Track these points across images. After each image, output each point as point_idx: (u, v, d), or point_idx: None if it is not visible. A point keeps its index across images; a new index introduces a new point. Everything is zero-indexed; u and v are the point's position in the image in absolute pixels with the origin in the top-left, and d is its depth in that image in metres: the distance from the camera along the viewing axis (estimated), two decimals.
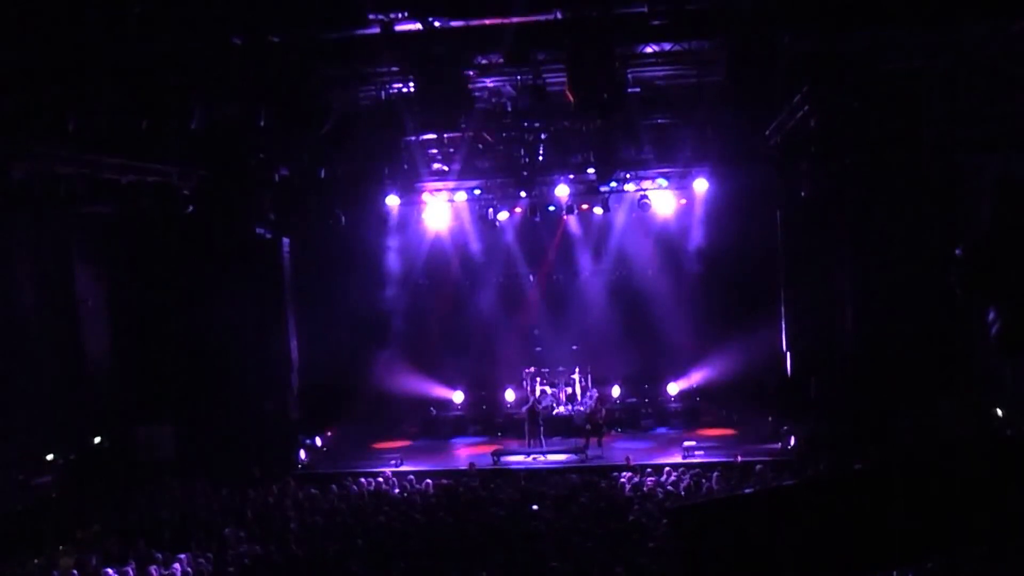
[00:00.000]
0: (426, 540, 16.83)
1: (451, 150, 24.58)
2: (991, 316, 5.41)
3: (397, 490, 21.60)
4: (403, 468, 24.13)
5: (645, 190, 27.49)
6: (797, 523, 4.78)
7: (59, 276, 24.74)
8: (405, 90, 19.44)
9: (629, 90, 19.41)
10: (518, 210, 26.55)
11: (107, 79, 15.84)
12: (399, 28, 15.59)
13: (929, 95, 18.09)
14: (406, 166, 24.72)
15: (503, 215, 28.32)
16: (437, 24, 15.69)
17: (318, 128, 19.12)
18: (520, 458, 25.19)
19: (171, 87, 16.64)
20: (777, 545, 4.72)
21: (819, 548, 4.77)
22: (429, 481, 21.95)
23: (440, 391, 30.45)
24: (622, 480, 21.26)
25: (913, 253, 23.15)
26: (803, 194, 23.60)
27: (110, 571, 15.44)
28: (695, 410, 29.18)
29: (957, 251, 5.29)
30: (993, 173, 20.89)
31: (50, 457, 23.00)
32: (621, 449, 25.44)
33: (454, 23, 15.85)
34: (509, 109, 21.03)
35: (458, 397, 30.32)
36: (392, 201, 27.10)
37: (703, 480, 20.64)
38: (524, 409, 27.09)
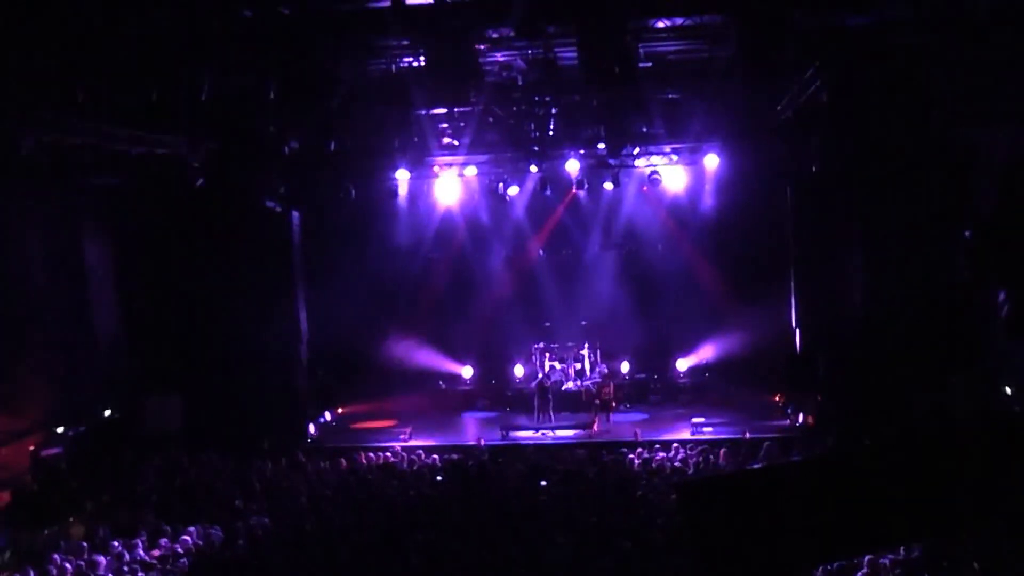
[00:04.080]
0: (434, 514, 16.87)
1: (461, 124, 24.51)
2: (1001, 298, 5.38)
3: (406, 464, 21.64)
4: (412, 442, 24.18)
5: (655, 165, 27.41)
6: (805, 499, 4.77)
7: (68, 247, 24.76)
8: (416, 63, 19.38)
9: (640, 64, 19.35)
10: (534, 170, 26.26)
11: (117, 50, 15.82)
12: (410, 1, 15.56)
13: (939, 70, 18.00)
14: (416, 139, 24.68)
15: (513, 189, 28.26)
16: None
17: (328, 101, 19.10)
18: (529, 433, 25.25)
19: (181, 58, 16.62)
20: (785, 521, 4.72)
21: (827, 524, 4.77)
22: (436, 456, 22.00)
23: (449, 365, 30.50)
24: (630, 456, 21.29)
25: (923, 229, 23.07)
26: (814, 169, 23.53)
27: (115, 544, 15.52)
28: (704, 386, 29.15)
29: (966, 234, 5.26)
30: (1004, 150, 20.81)
31: (60, 429, 23.07)
32: (630, 425, 25.47)
33: None
34: (520, 83, 20.95)
35: (467, 371, 30.36)
36: (402, 175, 27.06)
37: (711, 456, 20.65)
38: (533, 384, 27.17)
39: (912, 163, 22.60)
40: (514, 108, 23.19)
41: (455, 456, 22.18)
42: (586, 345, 29.84)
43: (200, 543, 15.78)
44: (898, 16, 16.75)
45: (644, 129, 24.23)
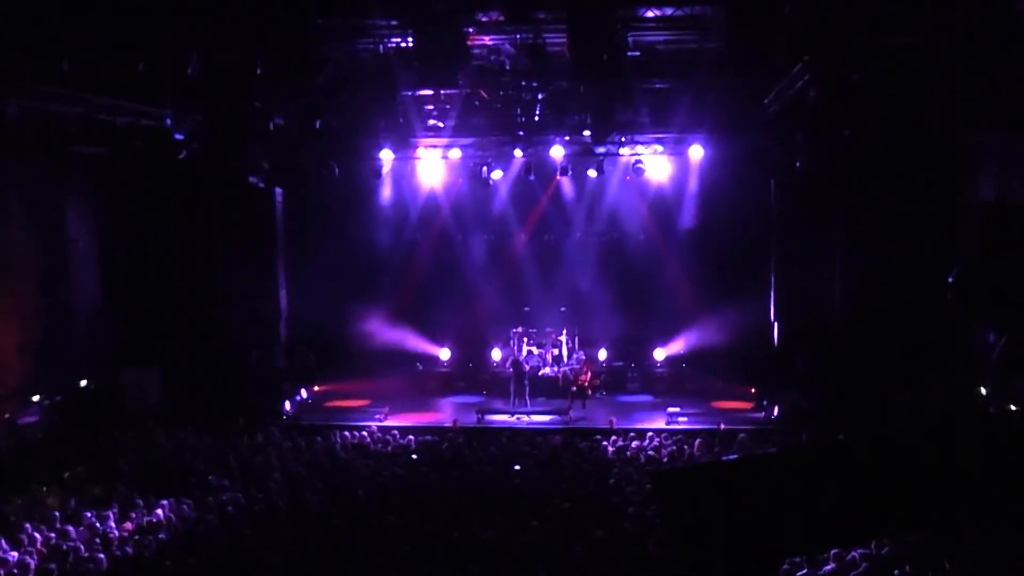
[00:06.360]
0: (407, 495, 16.90)
1: (447, 106, 24.45)
2: (991, 339, 5.41)
3: (381, 444, 21.65)
4: (388, 423, 24.19)
5: (640, 154, 27.42)
6: (779, 491, 4.80)
7: (50, 215, 24.65)
8: (403, 44, 19.32)
9: (629, 54, 19.33)
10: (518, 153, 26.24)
11: (105, 19, 15.72)
12: None
13: (930, 71, 18.02)
14: (401, 120, 24.61)
15: (497, 173, 28.23)
16: None
17: (315, 79, 19.03)
18: (504, 417, 25.27)
19: (169, 30, 16.53)
20: (758, 512, 4.75)
21: (800, 516, 4.80)
22: (412, 437, 22.01)
23: (427, 347, 30.45)
24: (605, 443, 21.35)
25: (905, 229, 23.18)
26: (798, 165, 23.58)
27: (88, 514, 15.50)
28: (681, 376, 29.17)
29: (951, 278, 5.28)
30: (994, 154, 20.91)
31: (36, 398, 23.00)
32: (605, 412, 25.52)
33: None
34: (507, 68, 20.90)
35: (445, 354, 30.29)
36: (386, 155, 27.00)
37: (685, 446, 20.71)
38: (510, 368, 27.15)
39: (898, 163, 22.71)
40: (501, 92, 23.13)
41: (429, 438, 22.18)
42: (564, 331, 29.81)
43: (172, 517, 15.78)
44: (891, 14, 16.75)
45: (630, 118, 24.21)
